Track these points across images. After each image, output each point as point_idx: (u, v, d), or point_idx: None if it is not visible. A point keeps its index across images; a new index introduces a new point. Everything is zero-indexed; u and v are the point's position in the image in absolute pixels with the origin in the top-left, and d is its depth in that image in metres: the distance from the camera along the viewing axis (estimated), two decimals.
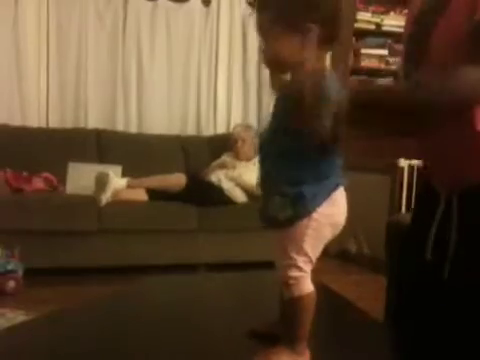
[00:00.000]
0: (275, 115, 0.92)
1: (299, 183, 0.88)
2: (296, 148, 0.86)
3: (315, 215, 0.88)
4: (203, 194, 3.63)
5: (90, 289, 2.67)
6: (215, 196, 3.65)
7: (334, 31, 0.89)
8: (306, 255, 0.89)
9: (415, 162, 3.86)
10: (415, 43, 1.03)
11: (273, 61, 0.90)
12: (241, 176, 3.77)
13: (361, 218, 3.61)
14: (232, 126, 4.31)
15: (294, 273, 0.88)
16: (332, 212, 0.90)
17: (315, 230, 0.89)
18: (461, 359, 0.98)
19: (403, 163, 3.94)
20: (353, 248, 4.21)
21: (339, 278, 3.17)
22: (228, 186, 3.73)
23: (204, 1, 4.43)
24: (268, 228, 0.92)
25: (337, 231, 0.93)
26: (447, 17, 0.94)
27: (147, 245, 3.47)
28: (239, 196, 3.72)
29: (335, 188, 0.91)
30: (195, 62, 4.41)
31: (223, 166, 3.88)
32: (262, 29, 0.90)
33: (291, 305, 0.89)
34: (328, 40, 0.88)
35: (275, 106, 0.93)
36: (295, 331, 0.90)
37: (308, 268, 0.89)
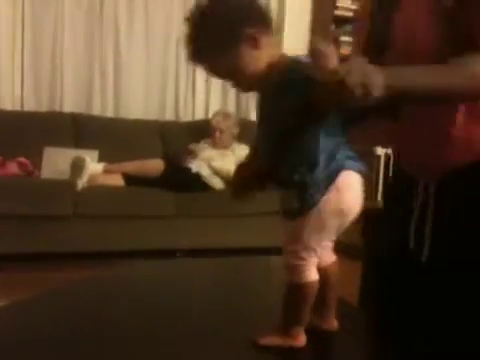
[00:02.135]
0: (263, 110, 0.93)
1: (300, 169, 0.87)
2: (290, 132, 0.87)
3: (319, 205, 0.87)
4: (181, 180, 3.62)
5: (66, 274, 2.65)
6: (193, 182, 3.64)
7: (268, 22, 0.92)
8: (307, 245, 0.89)
9: (391, 151, 3.91)
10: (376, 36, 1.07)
11: (241, 78, 0.91)
12: (218, 164, 3.77)
13: None
14: (211, 112, 4.28)
15: (295, 261, 0.90)
16: (338, 199, 0.88)
17: (318, 219, 0.88)
18: (439, 337, 1.01)
19: (380, 151, 3.99)
20: None
21: None
22: (206, 173, 3.72)
23: None
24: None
25: (348, 218, 0.91)
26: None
27: (124, 230, 3.45)
28: (217, 182, 3.71)
29: (339, 172, 0.88)
30: (173, 46, 4.35)
31: (199, 154, 3.86)
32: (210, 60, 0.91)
33: (290, 291, 0.91)
34: (270, 32, 0.92)
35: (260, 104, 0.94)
36: (291, 315, 0.93)
37: (309, 257, 0.90)
